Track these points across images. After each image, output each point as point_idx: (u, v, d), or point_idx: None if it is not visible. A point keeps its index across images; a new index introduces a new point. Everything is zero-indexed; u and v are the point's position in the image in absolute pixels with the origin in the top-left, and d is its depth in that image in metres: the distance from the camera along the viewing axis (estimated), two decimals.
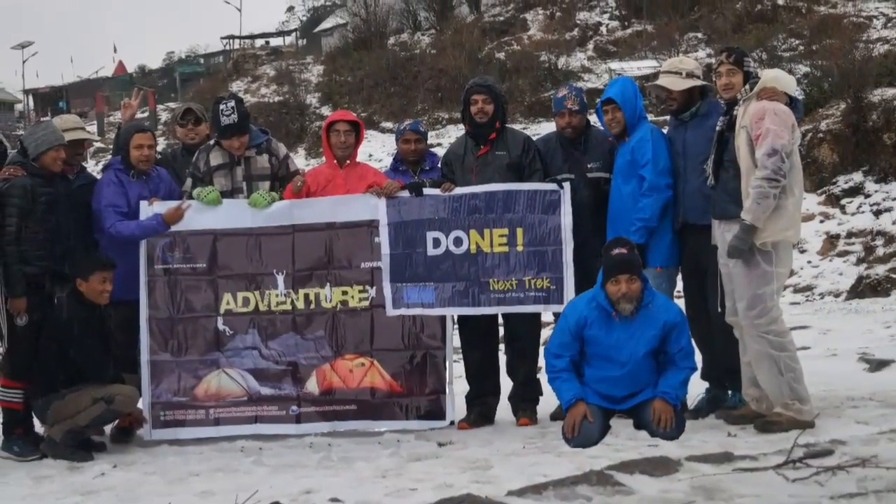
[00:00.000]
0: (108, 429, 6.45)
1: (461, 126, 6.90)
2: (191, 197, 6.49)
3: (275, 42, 54.88)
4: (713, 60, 8.20)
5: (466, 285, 6.34)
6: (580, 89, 6.93)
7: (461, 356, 6.85)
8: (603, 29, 35.39)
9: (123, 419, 6.28)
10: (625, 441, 5.41)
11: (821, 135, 18.19)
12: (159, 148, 7.25)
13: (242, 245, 6.46)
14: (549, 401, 6.23)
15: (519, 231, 6.33)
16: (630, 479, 4.29)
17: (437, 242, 6.37)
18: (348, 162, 6.65)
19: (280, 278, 6.44)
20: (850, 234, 16.63)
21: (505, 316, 6.60)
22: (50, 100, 54.42)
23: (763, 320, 5.64)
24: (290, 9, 63.27)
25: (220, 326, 6.45)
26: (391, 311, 6.39)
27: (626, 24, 35.12)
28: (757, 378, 5.73)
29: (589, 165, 6.50)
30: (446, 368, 6.42)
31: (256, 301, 6.45)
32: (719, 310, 5.95)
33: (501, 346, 6.90)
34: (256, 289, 6.44)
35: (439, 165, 6.79)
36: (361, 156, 7.10)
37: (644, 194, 6.14)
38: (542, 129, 21.85)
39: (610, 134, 6.49)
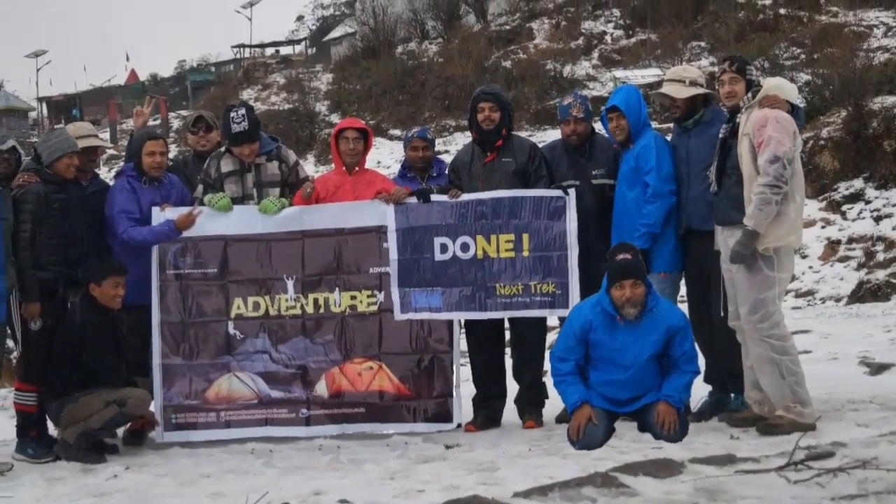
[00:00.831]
0: (120, 431, 6.49)
1: (468, 133, 6.94)
2: (202, 203, 6.54)
3: (285, 51, 55.03)
4: (716, 69, 8.25)
5: (473, 290, 6.39)
6: (585, 97, 6.95)
7: (468, 360, 6.88)
8: (608, 38, 35.44)
9: (136, 422, 6.32)
10: (629, 443, 5.45)
11: (822, 142, 18.23)
12: (171, 155, 7.28)
13: (253, 250, 6.51)
14: (554, 404, 6.29)
15: (525, 237, 6.37)
16: (634, 481, 4.29)
17: (444, 248, 6.42)
18: (357, 168, 6.70)
19: (290, 283, 6.50)
20: (850, 240, 16.66)
21: (511, 320, 6.65)
22: (63, 107, 54.29)
23: (765, 324, 5.67)
24: (300, 18, 63.59)
25: (231, 330, 6.51)
26: (399, 316, 6.44)
27: (631, 33, 35.16)
28: (759, 381, 5.75)
29: (593, 172, 6.54)
30: (453, 372, 6.46)
31: (266, 305, 6.51)
32: (722, 314, 5.99)
33: (508, 350, 6.95)
34: (267, 293, 6.50)
35: (446, 172, 6.85)
36: (370, 163, 7.15)
37: (648, 200, 6.18)
38: (547, 136, 21.90)
39: (614, 141, 6.54)
